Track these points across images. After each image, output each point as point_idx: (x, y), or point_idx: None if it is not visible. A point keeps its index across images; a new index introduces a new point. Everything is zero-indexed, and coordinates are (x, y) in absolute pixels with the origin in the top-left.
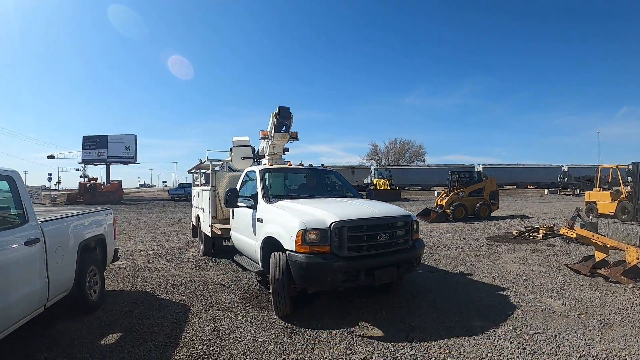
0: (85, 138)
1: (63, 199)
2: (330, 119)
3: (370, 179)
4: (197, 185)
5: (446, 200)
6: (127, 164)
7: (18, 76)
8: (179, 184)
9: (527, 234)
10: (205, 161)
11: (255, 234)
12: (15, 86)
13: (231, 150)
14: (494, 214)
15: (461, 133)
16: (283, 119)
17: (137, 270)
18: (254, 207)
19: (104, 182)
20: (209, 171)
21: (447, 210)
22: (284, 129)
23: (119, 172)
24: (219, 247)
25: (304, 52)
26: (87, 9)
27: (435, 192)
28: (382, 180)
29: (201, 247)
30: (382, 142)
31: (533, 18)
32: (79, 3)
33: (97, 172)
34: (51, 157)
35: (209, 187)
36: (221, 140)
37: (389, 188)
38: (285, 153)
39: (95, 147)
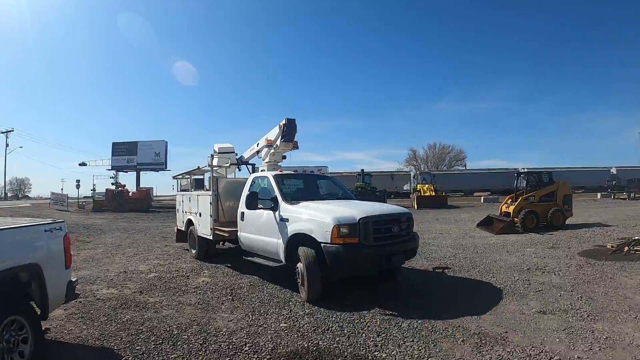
0: (114, 145)
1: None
2: (363, 126)
3: (410, 184)
4: (184, 190)
5: (514, 206)
6: (157, 171)
7: (54, 87)
8: None
9: (628, 247)
10: (205, 166)
11: (277, 232)
12: (51, 97)
13: (212, 156)
14: (566, 221)
15: (496, 137)
16: (290, 129)
17: (120, 307)
18: (273, 209)
19: (131, 190)
20: (199, 177)
21: (515, 219)
22: (287, 138)
23: (153, 179)
24: (212, 250)
25: (331, 61)
26: (120, 21)
27: (482, 198)
28: (427, 185)
29: (193, 251)
30: (421, 147)
31: (567, 18)
32: (109, 16)
33: (131, 179)
34: (83, 164)
35: (208, 192)
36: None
37: (434, 194)
38: (282, 160)
39: (125, 153)
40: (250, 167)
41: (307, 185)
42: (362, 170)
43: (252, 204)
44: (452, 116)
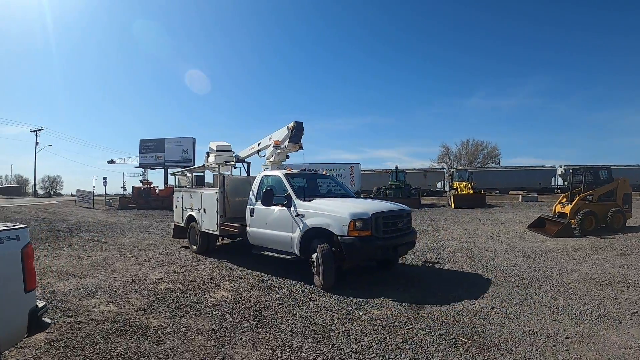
0: (142, 142)
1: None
2: (392, 123)
3: (444, 182)
4: (183, 187)
5: (571, 206)
6: (185, 168)
7: (84, 86)
8: None
9: None
10: (211, 164)
11: (292, 227)
12: (82, 96)
13: (208, 154)
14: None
15: (526, 134)
16: (298, 131)
17: (115, 332)
18: (287, 205)
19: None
20: (200, 174)
21: (573, 221)
22: (295, 139)
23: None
24: (213, 246)
25: (359, 55)
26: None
27: (520, 196)
28: (464, 183)
29: (194, 247)
30: (453, 144)
31: (599, 10)
32: (131, 19)
33: (159, 176)
34: (111, 162)
35: (214, 189)
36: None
37: (472, 192)
38: (286, 159)
39: (153, 150)
40: (246, 165)
41: (312, 184)
42: (396, 167)
43: (268, 200)
44: (482, 113)
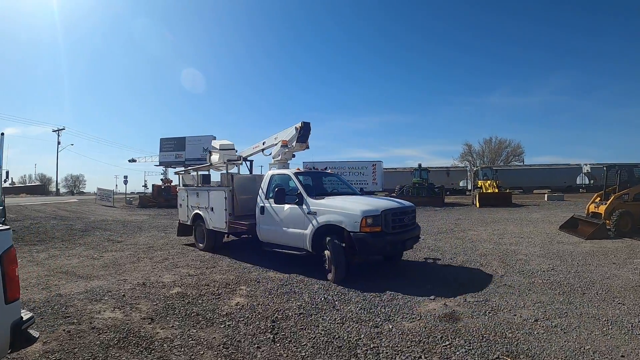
0: (162, 140)
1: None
2: (413, 122)
3: (467, 180)
4: (186, 185)
5: (605, 206)
6: (189, 167)
7: (106, 86)
8: None
9: None
10: (219, 164)
11: (304, 224)
12: (107, 96)
13: (210, 153)
14: None
15: (549, 131)
16: (305, 131)
17: (117, 344)
18: (299, 203)
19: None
20: (205, 172)
21: (608, 221)
22: (302, 139)
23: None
24: (219, 243)
25: (377, 57)
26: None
27: (546, 195)
28: (489, 181)
29: (200, 245)
30: (476, 142)
31: (622, 6)
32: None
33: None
34: (132, 160)
35: (223, 188)
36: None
37: (497, 191)
38: (292, 158)
39: (173, 149)
40: (248, 163)
41: (318, 182)
42: (420, 165)
43: (280, 198)
44: (504, 111)
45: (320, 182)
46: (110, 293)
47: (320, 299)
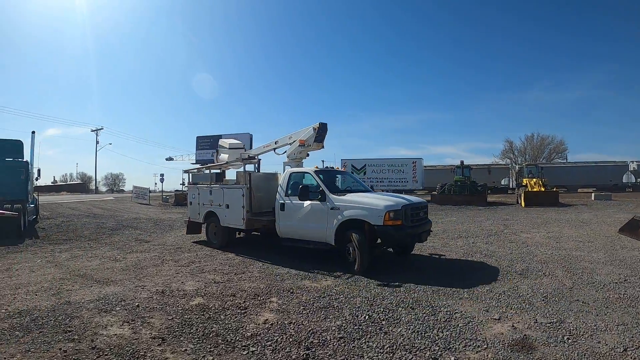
0: (199, 138)
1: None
2: (450, 119)
3: (509, 178)
4: (195, 184)
5: None
6: (203, 166)
7: (144, 86)
8: None
9: None
10: (234, 162)
11: (326, 220)
12: (142, 96)
13: (217, 151)
14: None
15: (592, 128)
16: (322, 132)
17: None
18: (321, 200)
19: None
20: (217, 170)
21: None
22: (319, 139)
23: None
24: (233, 240)
25: (415, 52)
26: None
27: (593, 195)
28: (534, 179)
29: (214, 242)
30: (518, 139)
31: None
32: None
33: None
34: (169, 159)
35: (239, 185)
36: (341, 142)
37: (543, 189)
38: (306, 157)
39: (210, 147)
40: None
41: (332, 179)
42: (462, 162)
43: (304, 195)
44: (544, 106)
45: (336, 179)
46: (123, 302)
47: (364, 317)
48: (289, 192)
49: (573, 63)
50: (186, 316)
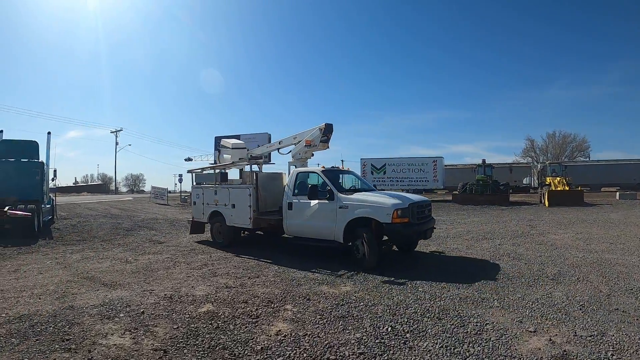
0: (217, 139)
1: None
2: (469, 118)
3: (532, 177)
4: (200, 184)
5: None
6: (266, 164)
7: (163, 88)
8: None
9: None
10: (241, 161)
11: (335, 218)
12: (162, 98)
13: (219, 152)
14: None
15: (614, 125)
16: (328, 132)
17: None
18: (329, 199)
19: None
20: (222, 170)
21: None
22: (325, 140)
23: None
24: (238, 239)
25: (429, 50)
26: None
27: (617, 194)
28: (558, 178)
29: (219, 242)
30: (539, 137)
31: None
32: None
33: (235, 173)
34: (188, 159)
35: (246, 185)
36: (359, 142)
37: (567, 188)
38: (311, 157)
39: (229, 147)
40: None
41: (337, 179)
42: (483, 160)
43: (314, 195)
44: (564, 104)
45: (338, 179)
46: (128, 308)
47: (386, 328)
48: (296, 191)
49: (592, 60)
50: (193, 325)
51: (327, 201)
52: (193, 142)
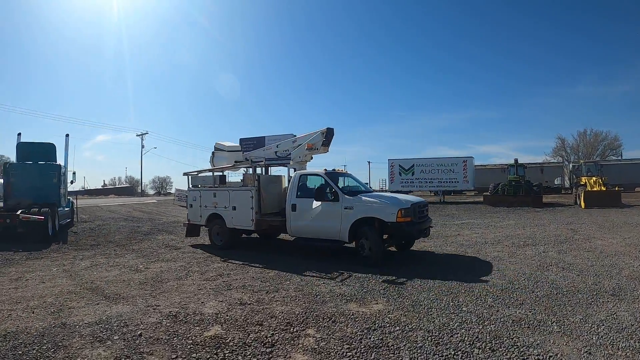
0: (242, 140)
1: None
2: (495, 117)
3: (564, 178)
4: (195, 187)
5: None
6: (286, 166)
7: (188, 88)
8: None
9: None
10: (240, 163)
11: (340, 218)
12: (188, 98)
13: (213, 154)
14: None
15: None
16: (329, 136)
17: None
18: (334, 200)
19: None
20: (219, 173)
21: None
22: (326, 143)
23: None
24: (237, 241)
25: (459, 46)
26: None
27: None
28: (594, 178)
29: (217, 244)
30: (570, 135)
31: None
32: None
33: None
34: None
35: (248, 187)
36: (385, 143)
37: (604, 189)
38: (310, 160)
39: (253, 148)
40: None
41: (337, 181)
42: (516, 160)
43: (321, 196)
44: (592, 102)
45: (339, 181)
46: (125, 329)
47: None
48: (299, 193)
49: (620, 54)
50: (194, 355)
51: (332, 202)
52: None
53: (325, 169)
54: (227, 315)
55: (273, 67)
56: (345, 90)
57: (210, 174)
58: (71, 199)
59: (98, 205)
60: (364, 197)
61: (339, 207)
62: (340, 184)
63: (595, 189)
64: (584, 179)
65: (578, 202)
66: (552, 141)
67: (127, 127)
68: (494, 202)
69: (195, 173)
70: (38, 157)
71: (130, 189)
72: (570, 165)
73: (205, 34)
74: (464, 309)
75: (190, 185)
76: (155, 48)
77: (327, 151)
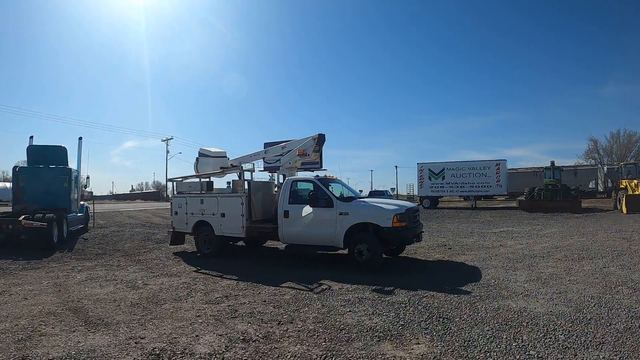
0: (266, 145)
1: None
2: (522, 120)
3: (597, 181)
4: (181, 193)
5: None
6: (312, 170)
7: (212, 94)
8: (373, 190)
9: None
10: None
11: (335, 224)
12: (211, 103)
13: (198, 160)
14: None
15: None
16: (321, 142)
17: None
18: (329, 206)
19: None
20: (207, 179)
21: None
22: (317, 149)
23: None
24: (226, 248)
25: (479, 53)
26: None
27: None
28: (635, 181)
29: (205, 252)
30: (603, 137)
31: None
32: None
33: None
34: (233, 166)
35: (237, 194)
36: (412, 147)
37: None
38: (300, 166)
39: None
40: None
41: (328, 187)
42: (552, 163)
43: (315, 202)
44: (623, 101)
45: (330, 187)
46: None
47: None
48: (291, 199)
49: None
50: None
51: (326, 208)
52: (242, 149)
53: (318, 175)
54: (223, 357)
55: (301, 72)
56: (380, 93)
57: (196, 180)
58: (86, 204)
59: (119, 210)
60: (357, 203)
61: (334, 212)
62: (333, 190)
63: (637, 192)
64: (624, 182)
65: (619, 207)
66: (582, 143)
67: (154, 133)
68: (529, 207)
69: (180, 179)
70: (49, 160)
71: (157, 193)
72: (605, 168)
73: (229, 35)
74: (532, 352)
75: (175, 192)
76: (183, 57)
77: (318, 157)
